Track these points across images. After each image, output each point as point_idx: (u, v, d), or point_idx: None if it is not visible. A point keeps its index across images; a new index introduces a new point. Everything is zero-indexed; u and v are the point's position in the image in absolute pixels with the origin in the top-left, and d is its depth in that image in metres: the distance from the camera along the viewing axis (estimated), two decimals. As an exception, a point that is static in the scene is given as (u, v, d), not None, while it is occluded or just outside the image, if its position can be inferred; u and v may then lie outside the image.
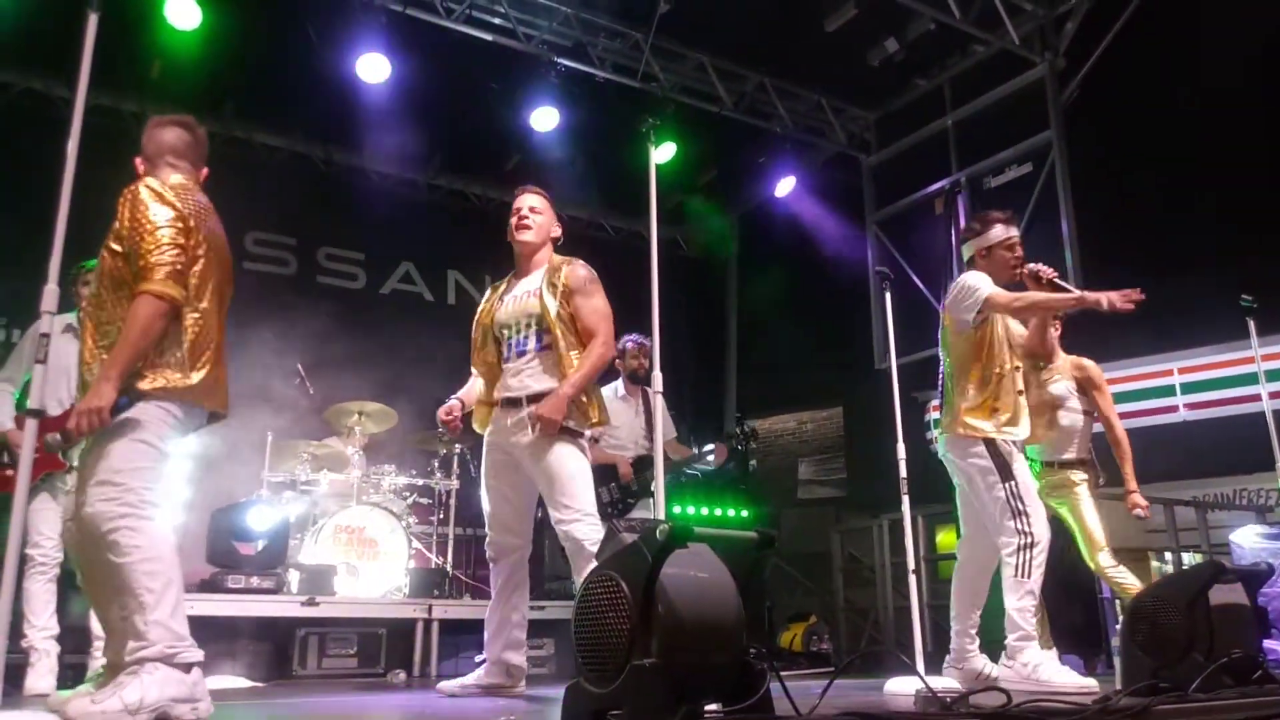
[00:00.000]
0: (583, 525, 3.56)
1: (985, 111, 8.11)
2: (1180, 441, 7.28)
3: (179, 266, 2.75)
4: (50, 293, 2.52)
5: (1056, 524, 4.99)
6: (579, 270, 3.81)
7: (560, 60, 7.61)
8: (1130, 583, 4.61)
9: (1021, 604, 3.78)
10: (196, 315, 2.82)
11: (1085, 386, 4.93)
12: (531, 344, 3.77)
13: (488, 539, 3.89)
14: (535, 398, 3.69)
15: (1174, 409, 7.54)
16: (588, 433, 3.79)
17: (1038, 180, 7.54)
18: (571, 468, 3.63)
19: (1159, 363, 7.57)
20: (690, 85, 8.28)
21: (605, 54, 7.88)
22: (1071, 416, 4.90)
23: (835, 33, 7.46)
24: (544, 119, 7.77)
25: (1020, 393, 4.02)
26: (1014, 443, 3.92)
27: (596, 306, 3.77)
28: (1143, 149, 7.08)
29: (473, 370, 4.01)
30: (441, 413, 3.94)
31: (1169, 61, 6.82)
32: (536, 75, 7.60)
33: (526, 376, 3.75)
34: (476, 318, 4.02)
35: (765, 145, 8.89)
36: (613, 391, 5.79)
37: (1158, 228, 6.88)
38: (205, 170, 3.09)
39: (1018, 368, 4.06)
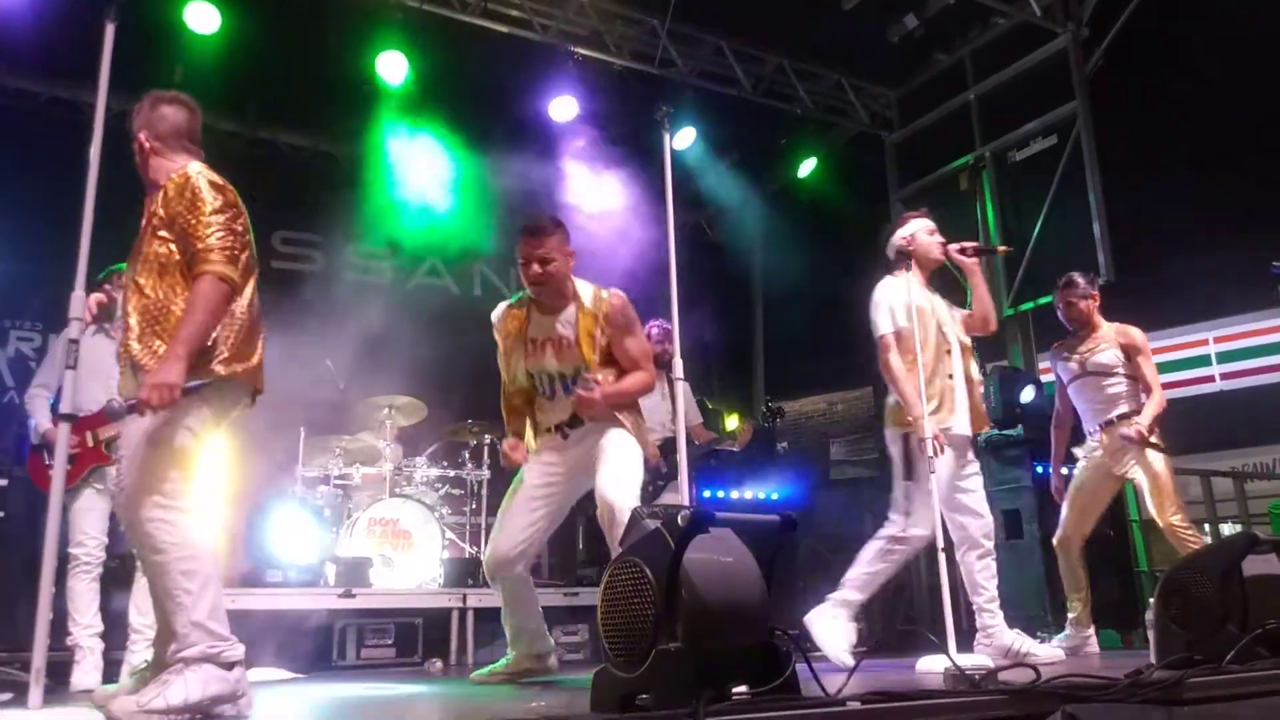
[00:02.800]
0: (620, 493, 3.57)
1: (1008, 84, 7.98)
2: (1218, 411, 7.19)
3: (235, 252, 2.79)
4: (77, 299, 2.57)
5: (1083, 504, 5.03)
6: (616, 306, 3.79)
7: (577, 49, 7.60)
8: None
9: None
10: (245, 301, 2.87)
11: (1130, 353, 5.03)
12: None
13: (490, 556, 3.83)
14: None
15: (1210, 379, 7.45)
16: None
17: (1063, 152, 7.41)
18: (624, 447, 3.72)
19: (1194, 332, 7.48)
20: (709, 69, 8.23)
21: (622, 41, 7.86)
22: (1118, 382, 5.00)
23: (853, 11, 7.37)
24: (563, 108, 7.78)
25: (950, 376, 4.16)
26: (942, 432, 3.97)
27: (640, 346, 3.84)
28: (1170, 117, 6.98)
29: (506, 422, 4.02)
30: (507, 447, 3.91)
31: (1194, 27, 6.70)
32: (554, 65, 7.60)
33: None
34: (501, 353, 3.94)
35: (786, 127, 8.83)
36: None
37: (1187, 196, 6.78)
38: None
39: (949, 351, 4.20)
